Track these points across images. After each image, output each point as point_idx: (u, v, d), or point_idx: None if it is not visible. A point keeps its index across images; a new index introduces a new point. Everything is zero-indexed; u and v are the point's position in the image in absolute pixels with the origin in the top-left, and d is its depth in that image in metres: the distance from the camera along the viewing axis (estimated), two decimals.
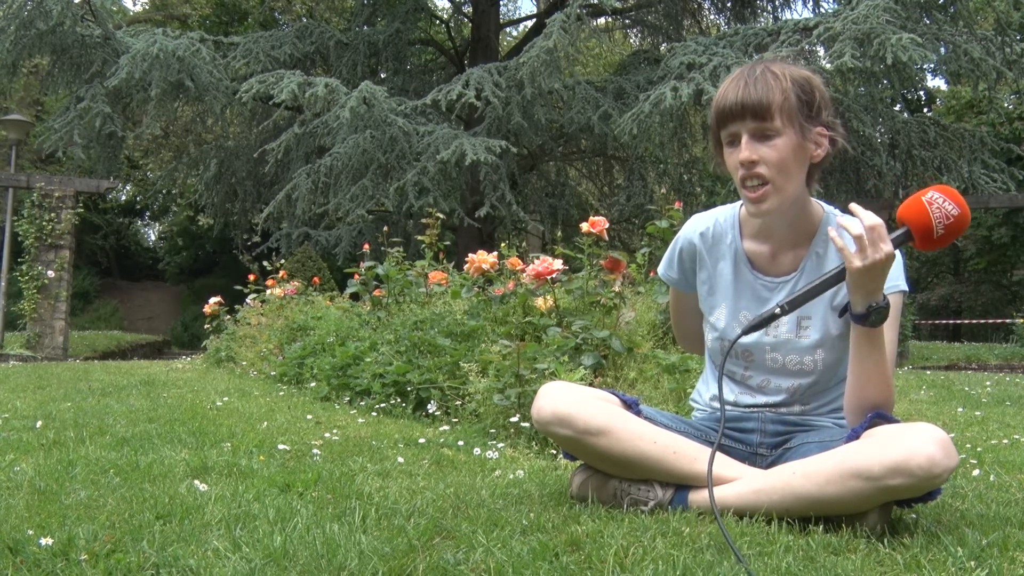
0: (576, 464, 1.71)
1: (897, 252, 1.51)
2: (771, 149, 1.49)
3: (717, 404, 1.73)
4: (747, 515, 1.47)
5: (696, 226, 1.71)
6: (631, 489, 1.58)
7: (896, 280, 1.54)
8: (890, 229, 1.42)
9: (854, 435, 1.46)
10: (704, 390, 1.79)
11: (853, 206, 1.42)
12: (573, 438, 1.57)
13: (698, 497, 1.54)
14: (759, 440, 1.67)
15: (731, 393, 1.70)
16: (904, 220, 1.44)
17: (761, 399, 1.67)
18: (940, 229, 1.41)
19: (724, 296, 1.67)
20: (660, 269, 1.81)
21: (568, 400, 1.58)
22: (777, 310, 1.46)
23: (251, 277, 7.63)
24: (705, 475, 1.54)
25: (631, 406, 1.63)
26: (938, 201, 1.42)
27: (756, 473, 1.55)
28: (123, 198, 26.14)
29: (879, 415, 1.48)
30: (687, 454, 1.55)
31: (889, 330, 1.52)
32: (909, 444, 1.33)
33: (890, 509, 1.45)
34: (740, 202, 1.70)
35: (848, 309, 1.46)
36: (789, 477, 1.46)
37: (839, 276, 1.46)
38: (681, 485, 1.56)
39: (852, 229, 1.39)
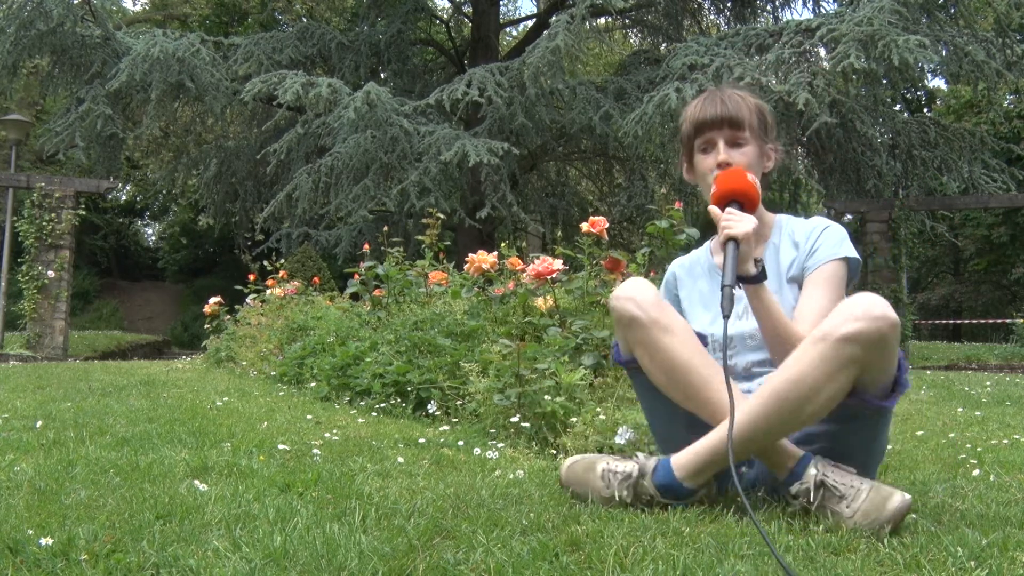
0: (564, 460, 1.72)
1: (837, 224, 1.80)
2: (741, 155, 1.79)
3: None
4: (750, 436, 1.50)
5: (677, 261, 2.04)
6: (616, 465, 1.62)
7: (836, 248, 1.73)
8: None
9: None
10: None
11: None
12: (643, 321, 1.64)
13: (682, 460, 1.57)
14: None
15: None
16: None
17: (753, 385, 1.73)
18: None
19: (704, 304, 1.88)
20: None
21: (648, 291, 1.69)
22: (726, 287, 1.55)
23: (251, 277, 7.62)
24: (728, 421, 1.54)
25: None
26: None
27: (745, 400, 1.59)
28: (123, 198, 26.16)
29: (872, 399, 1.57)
30: (723, 398, 1.55)
31: (830, 292, 1.68)
32: (851, 299, 1.50)
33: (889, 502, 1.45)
34: (709, 240, 1.95)
35: (748, 279, 1.59)
36: (769, 381, 1.54)
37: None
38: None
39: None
